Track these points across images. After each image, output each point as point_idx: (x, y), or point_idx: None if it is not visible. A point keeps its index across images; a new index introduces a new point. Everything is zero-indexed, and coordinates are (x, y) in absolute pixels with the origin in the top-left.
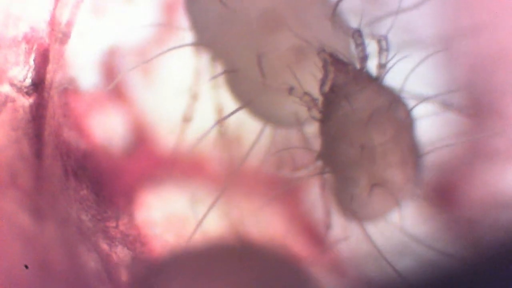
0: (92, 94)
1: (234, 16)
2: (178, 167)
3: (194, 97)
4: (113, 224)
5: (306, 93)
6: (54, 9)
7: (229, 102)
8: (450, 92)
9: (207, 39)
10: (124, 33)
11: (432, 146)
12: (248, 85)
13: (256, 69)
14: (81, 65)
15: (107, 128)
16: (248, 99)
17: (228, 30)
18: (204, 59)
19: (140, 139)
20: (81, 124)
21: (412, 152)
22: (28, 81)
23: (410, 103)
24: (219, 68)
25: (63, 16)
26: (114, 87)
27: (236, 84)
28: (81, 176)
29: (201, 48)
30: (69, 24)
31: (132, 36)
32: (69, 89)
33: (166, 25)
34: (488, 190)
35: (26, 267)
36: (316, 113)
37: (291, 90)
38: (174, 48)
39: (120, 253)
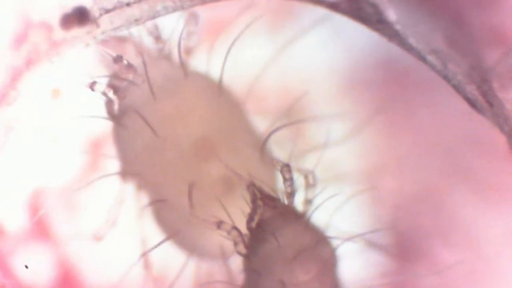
0: (18, 234)
1: (165, 144)
2: None
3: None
4: None
5: (234, 228)
6: None
7: (154, 233)
8: (375, 231)
9: (134, 168)
10: (49, 173)
11: (355, 286)
12: (175, 215)
13: (183, 199)
14: (6, 205)
15: (33, 267)
16: (174, 230)
17: (157, 159)
18: (130, 188)
19: (66, 278)
20: (6, 264)
21: None
22: None
23: (335, 241)
24: (145, 198)
25: None
26: (40, 226)
27: (163, 214)
28: None
29: (128, 178)
30: None
31: (57, 176)
32: None
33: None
34: None
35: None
36: (242, 248)
37: (219, 224)
38: (100, 178)
39: None
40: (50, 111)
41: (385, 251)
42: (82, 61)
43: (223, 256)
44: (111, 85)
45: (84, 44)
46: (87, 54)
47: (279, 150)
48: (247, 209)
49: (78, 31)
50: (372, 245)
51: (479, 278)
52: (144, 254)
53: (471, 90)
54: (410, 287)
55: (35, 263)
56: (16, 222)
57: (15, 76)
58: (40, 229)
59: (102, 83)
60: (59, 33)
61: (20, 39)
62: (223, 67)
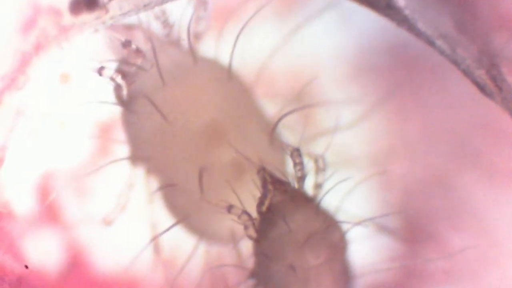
0: (27, 217)
1: (174, 129)
2: None
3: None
4: None
5: (244, 212)
6: None
7: (165, 217)
8: (385, 215)
9: (143, 153)
10: (58, 157)
11: (365, 269)
12: (185, 199)
13: (193, 184)
14: (15, 188)
15: (42, 251)
16: (184, 214)
17: (167, 143)
18: (140, 173)
19: (76, 262)
20: (16, 247)
21: (344, 275)
22: None
23: (345, 226)
24: (154, 182)
25: None
26: (49, 210)
27: (173, 198)
28: None
29: (138, 162)
30: (3, 148)
31: (67, 161)
32: (3, 213)
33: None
34: None
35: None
36: (252, 232)
37: (230, 208)
38: (110, 162)
39: None
40: (59, 96)
41: (395, 235)
42: (91, 46)
43: (233, 240)
44: (119, 70)
45: (93, 30)
46: (96, 39)
47: (289, 134)
48: (258, 194)
49: (87, 17)
50: (382, 229)
51: (488, 261)
52: (154, 238)
53: (480, 74)
54: (420, 271)
55: (44, 247)
56: (25, 206)
57: (24, 61)
58: (50, 213)
59: (111, 68)
60: (68, 18)
61: (29, 25)
62: (232, 52)
